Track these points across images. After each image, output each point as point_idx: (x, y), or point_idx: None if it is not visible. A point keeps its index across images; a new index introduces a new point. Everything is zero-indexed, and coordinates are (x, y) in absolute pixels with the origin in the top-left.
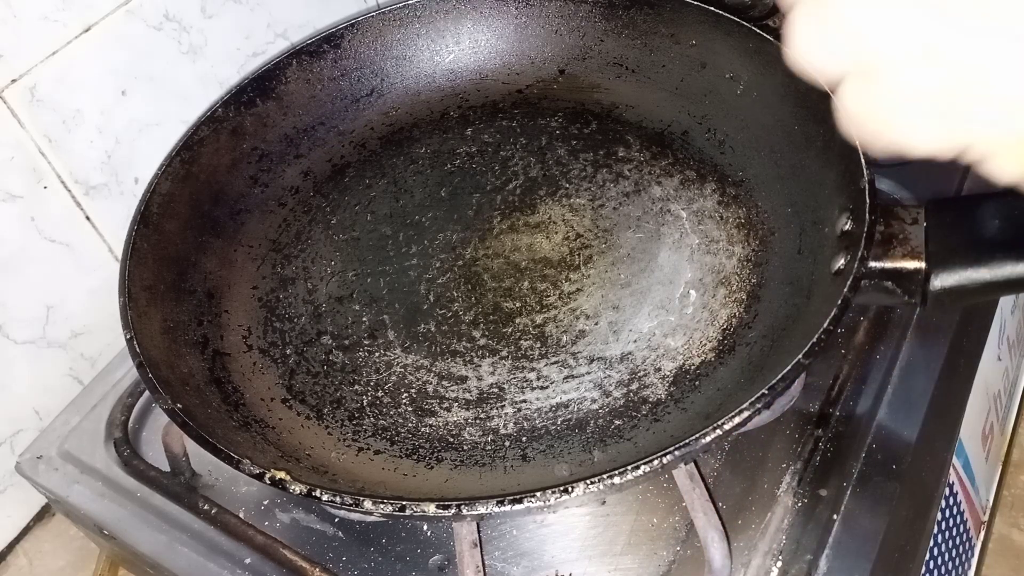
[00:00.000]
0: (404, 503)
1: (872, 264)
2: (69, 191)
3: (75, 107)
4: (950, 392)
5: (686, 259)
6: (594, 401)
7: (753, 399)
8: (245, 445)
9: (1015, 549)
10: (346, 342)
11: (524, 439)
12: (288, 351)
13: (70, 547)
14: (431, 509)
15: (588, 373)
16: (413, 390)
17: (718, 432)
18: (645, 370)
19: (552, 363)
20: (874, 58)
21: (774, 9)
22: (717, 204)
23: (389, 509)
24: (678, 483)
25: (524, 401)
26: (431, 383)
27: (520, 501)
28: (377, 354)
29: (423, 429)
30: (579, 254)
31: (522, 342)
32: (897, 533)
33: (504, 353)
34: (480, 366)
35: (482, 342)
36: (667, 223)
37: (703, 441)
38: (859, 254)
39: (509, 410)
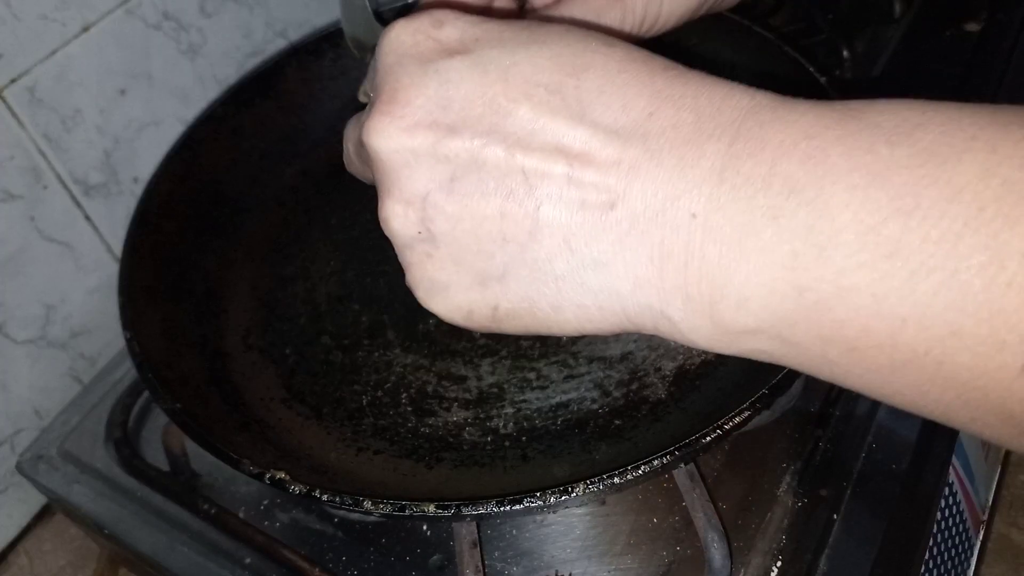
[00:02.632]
0: (404, 503)
1: None
2: (68, 191)
3: (74, 107)
4: None
5: None
6: (594, 401)
7: (753, 399)
8: (245, 445)
9: (1014, 548)
10: (346, 342)
11: (524, 439)
12: (288, 351)
13: (70, 547)
14: (431, 509)
15: (588, 373)
16: (412, 390)
17: (718, 432)
18: (645, 370)
19: (552, 363)
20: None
21: (776, 7)
22: None
23: (389, 509)
24: (678, 483)
25: (524, 401)
26: (431, 383)
27: (520, 501)
28: (376, 354)
29: (423, 429)
30: None
31: (522, 341)
32: (897, 533)
33: (504, 353)
34: (480, 366)
35: (481, 341)
36: None
37: (703, 441)
38: None
39: (509, 410)
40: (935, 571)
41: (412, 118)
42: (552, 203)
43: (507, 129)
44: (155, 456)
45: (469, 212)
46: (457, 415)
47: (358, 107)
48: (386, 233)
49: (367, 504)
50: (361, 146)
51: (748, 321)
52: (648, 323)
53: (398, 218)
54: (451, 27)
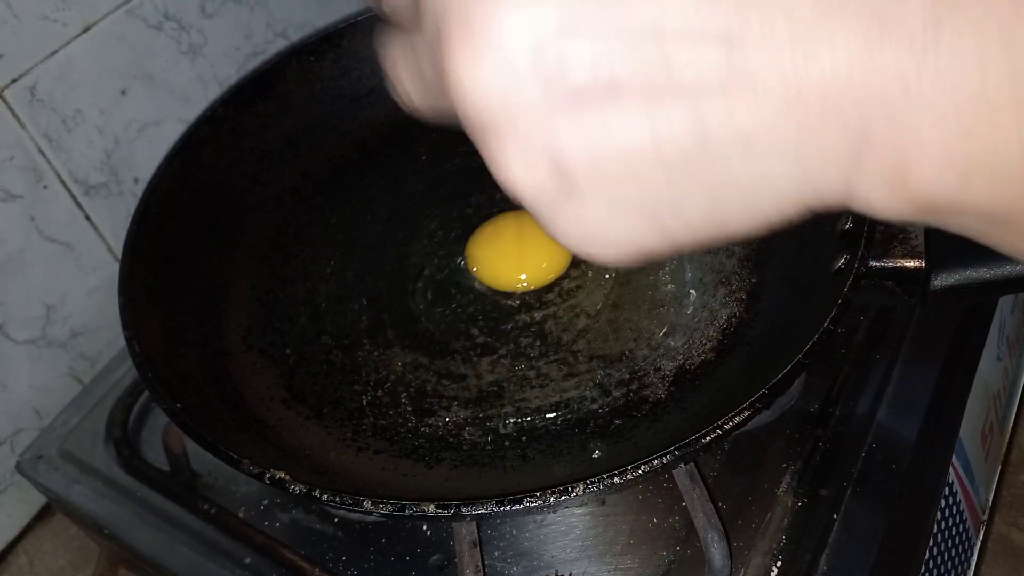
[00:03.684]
0: (404, 503)
1: (872, 263)
2: (69, 191)
3: (75, 107)
4: (950, 392)
5: (686, 258)
6: (594, 400)
7: (753, 399)
8: (245, 445)
9: (1014, 548)
10: (345, 341)
11: (524, 439)
12: (288, 351)
13: (70, 547)
14: (431, 509)
15: (588, 371)
16: (412, 389)
17: (718, 432)
18: (645, 369)
19: (552, 361)
20: None
21: None
22: None
23: (389, 509)
24: (678, 483)
25: (523, 400)
26: (430, 382)
27: (520, 501)
28: (376, 353)
29: (422, 429)
30: None
31: (521, 340)
32: (897, 533)
33: (503, 351)
34: (479, 364)
35: (481, 340)
36: None
37: (703, 441)
38: (859, 253)
39: (509, 409)
40: (935, 571)
41: (506, 48)
42: (714, 105)
43: (631, 23)
44: (155, 456)
45: (611, 140)
46: (457, 414)
47: (358, 108)
48: (507, 189)
49: (367, 504)
50: (443, 74)
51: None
52: (838, 195)
53: (519, 167)
54: None
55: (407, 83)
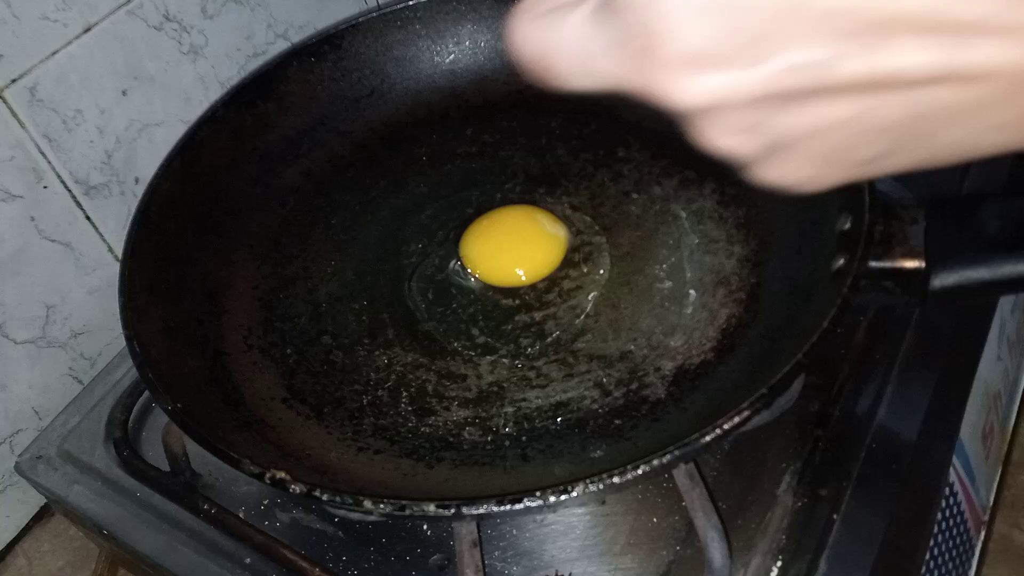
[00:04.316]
0: (404, 503)
1: (872, 264)
2: (69, 191)
3: (75, 107)
4: (950, 392)
5: (685, 258)
6: (594, 400)
7: (753, 399)
8: (245, 445)
9: (1016, 549)
10: (346, 341)
11: (524, 438)
12: (288, 351)
13: (70, 547)
14: (431, 509)
15: (588, 372)
16: (413, 389)
17: (718, 432)
18: (645, 369)
19: (551, 361)
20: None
21: None
22: (716, 204)
23: (389, 509)
24: (678, 483)
25: (524, 400)
26: (431, 382)
27: (520, 501)
28: (377, 353)
29: (423, 428)
30: (578, 252)
31: (521, 340)
32: (897, 533)
33: (503, 352)
34: (479, 364)
35: (481, 340)
36: (666, 222)
37: (703, 441)
38: (859, 254)
39: (509, 409)
40: (936, 572)
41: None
42: (922, 96)
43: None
44: (155, 456)
45: (820, 124)
46: (457, 414)
47: (358, 109)
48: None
49: (367, 504)
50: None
51: None
52: None
53: (729, 144)
54: None
55: (557, 58)
